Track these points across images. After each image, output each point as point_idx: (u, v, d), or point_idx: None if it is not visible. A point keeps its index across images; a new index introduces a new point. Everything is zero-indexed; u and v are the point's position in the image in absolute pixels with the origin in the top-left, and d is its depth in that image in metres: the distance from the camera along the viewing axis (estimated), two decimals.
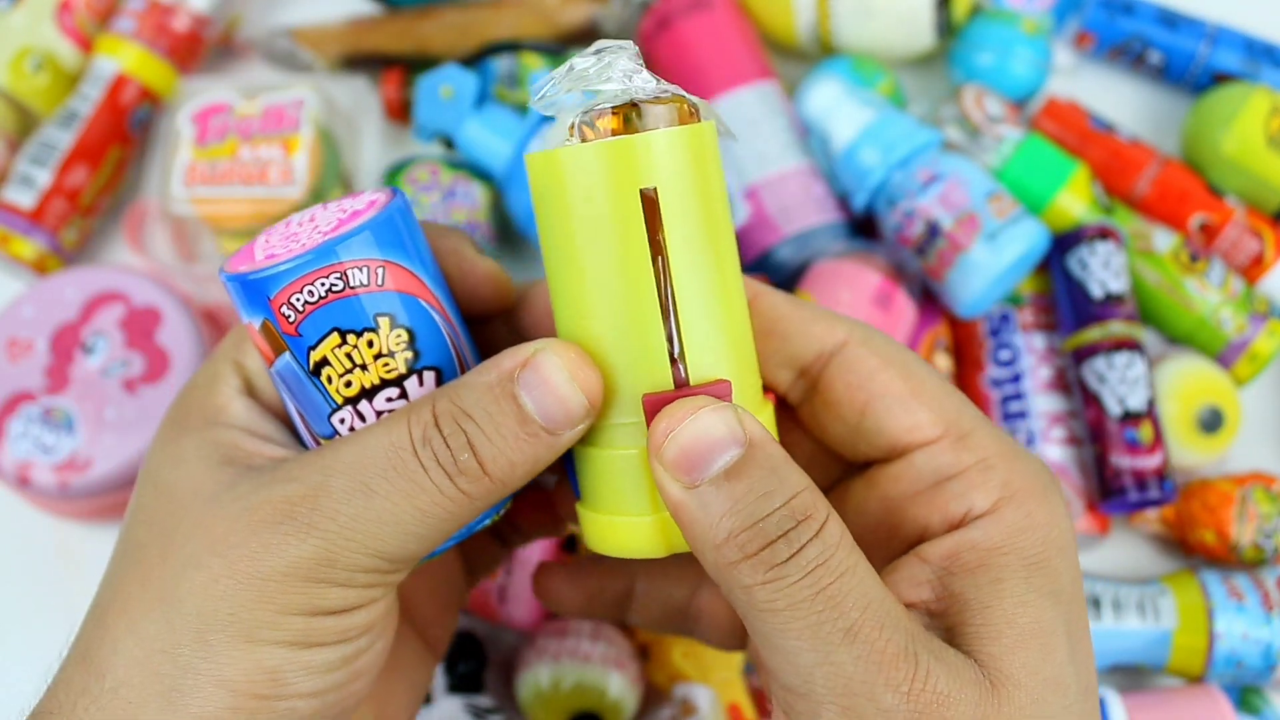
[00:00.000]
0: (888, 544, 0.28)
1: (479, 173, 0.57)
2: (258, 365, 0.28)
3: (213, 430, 0.27)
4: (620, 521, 0.27)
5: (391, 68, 0.62)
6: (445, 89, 0.55)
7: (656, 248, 0.24)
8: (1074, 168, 0.56)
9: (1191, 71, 0.62)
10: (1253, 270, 0.57)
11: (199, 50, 0.63)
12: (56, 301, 0.53)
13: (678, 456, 0.24)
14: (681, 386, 0.25)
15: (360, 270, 0.25)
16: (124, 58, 0.60)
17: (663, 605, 0.33)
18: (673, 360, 0.25)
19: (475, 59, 0.60)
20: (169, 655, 0.24)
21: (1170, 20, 0.62)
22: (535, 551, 0.49)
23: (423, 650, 0.33)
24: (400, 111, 0.61)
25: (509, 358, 0.25)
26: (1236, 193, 0.58)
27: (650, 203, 0.24)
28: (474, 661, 0.49)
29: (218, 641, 0.24)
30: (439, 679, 0.48)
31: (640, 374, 0.25)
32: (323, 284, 0.25)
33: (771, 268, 0.55)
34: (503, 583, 0.49)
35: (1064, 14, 0.63)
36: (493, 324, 0.31)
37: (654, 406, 0.25)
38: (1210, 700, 0.48)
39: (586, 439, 0.27)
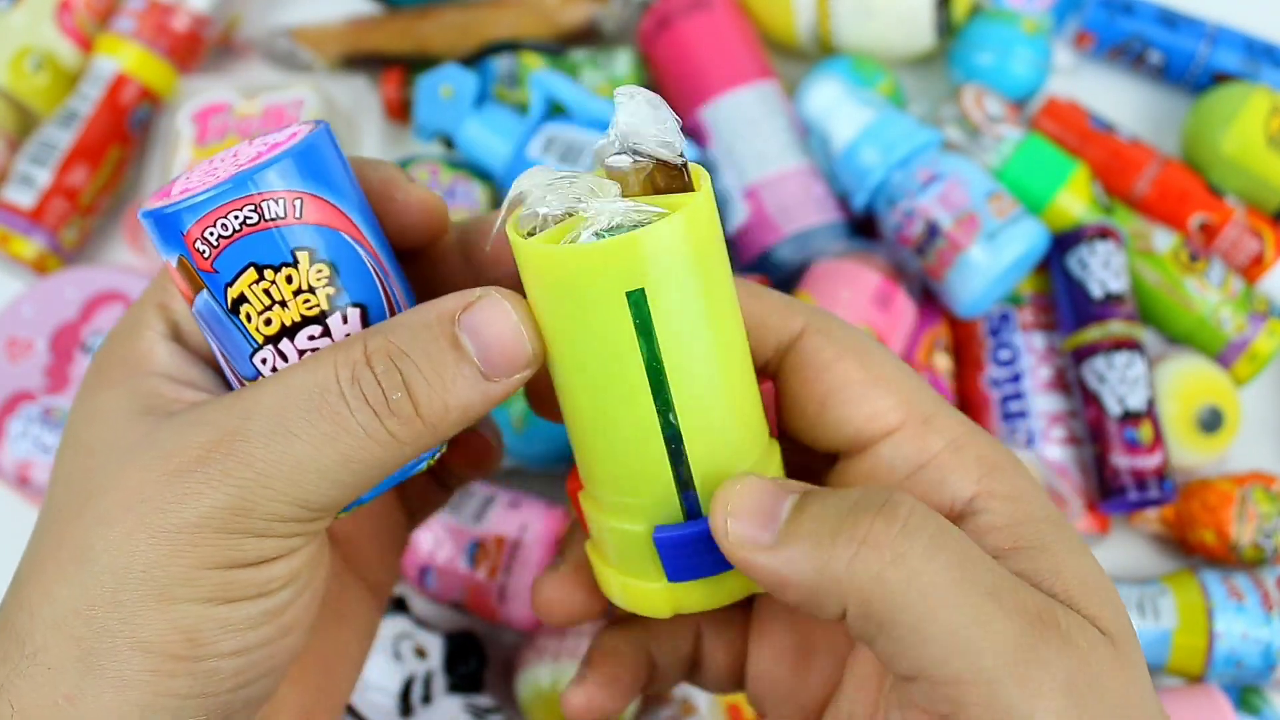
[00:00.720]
0: None
1: (479, 172, 0.57)
2: (184, 308, 0.27)
3: (134, 380, 0.26)
4: (634, 585, 0.27)
5: (391, 67, 0.62)
6: (445, 89, 0.55)
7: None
8: (1074, 167, 0.56)
9: (1191, 71, 0.62)
10: (1252, 270, 0.57)
11: (199, 50, 0.63)
12: (56, 301, 0.54)
13: (741, 537, 0.24)
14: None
15: (276, 202, 0.24)
16: (124, 57, 0.60)
17: (672, 655, 0.33)
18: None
19: (475, 59, 0.60)
20: (84, 617, 0.23)
21: (1170, 20, 0.62)
22: (535, 551, 0.49)
23: (367, 595, 0.33)
24: (400, 111, 0.61)
25: (452, 299, 0.24)
26: (1236, 193, 0.58)
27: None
28: (474, 661, 0.49)
29: (131, 600, 0.23)
30: (439, 679, 0.48)
31: (646, 472, 0.25)
32: (236, 217, 0.23)
33: (771, 267, 0.55)
34: (503, 582, 0.49)
35: (1064, 14, 0.63)
36: (429, 259, 0.29)
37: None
38: (1210, 700, 0.48)
39: (599, 502, 0.27)
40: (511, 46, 0.60)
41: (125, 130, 0.61)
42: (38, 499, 0.52)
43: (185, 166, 0.56)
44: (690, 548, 0.25)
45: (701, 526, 0.25)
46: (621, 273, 0.23)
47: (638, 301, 0.23)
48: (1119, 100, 0.64)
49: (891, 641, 0.23)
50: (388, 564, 0.34)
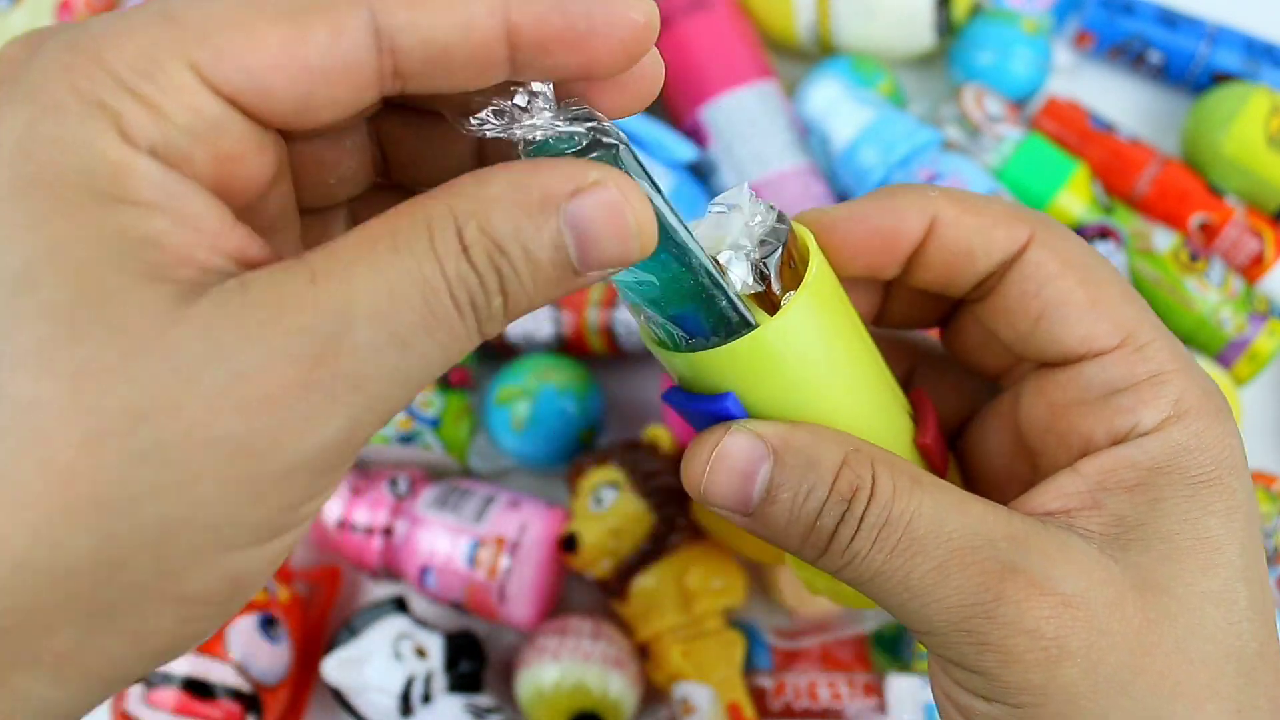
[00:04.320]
0: (1054, 452, 0.26)
1: None
2: (179, 116, 0.18)
3: (115, 213, 0.17)
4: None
5: None
6: None
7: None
8: (1074, 167, 0.56)
9: (1191, 71, 0.62)
10: (1253, 270, 0.57)
11: None
12: None
13: (722, 500, 0.24)
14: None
15: None
16: None
17: None
18: None
19: None
20: (108, 573, 0.18)
21: (1170, 20, 0.62)
22: (534, 550, 0.49)
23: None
24: None
25: (557, 177, 0.20)
26: (1236, 192, 0.58)
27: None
28: (474, 661, 0.49)
29: (180, 554, 0.18)
30: (439, 678, 0.47)
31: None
32: None
33: None
34: (503, 582, 0.49)
35: (1064, 13, 0.63)
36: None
37: None
38: None
39: None
40: None
41: None
42: None
43: None
44: None
45: None
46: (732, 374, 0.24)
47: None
48: (1119, 100, 0.63)
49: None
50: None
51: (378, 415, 0.19)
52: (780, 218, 0.24)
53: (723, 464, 0.23)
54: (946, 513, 0.23)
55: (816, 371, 0.24)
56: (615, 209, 0.20)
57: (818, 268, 0.25)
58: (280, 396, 0.18)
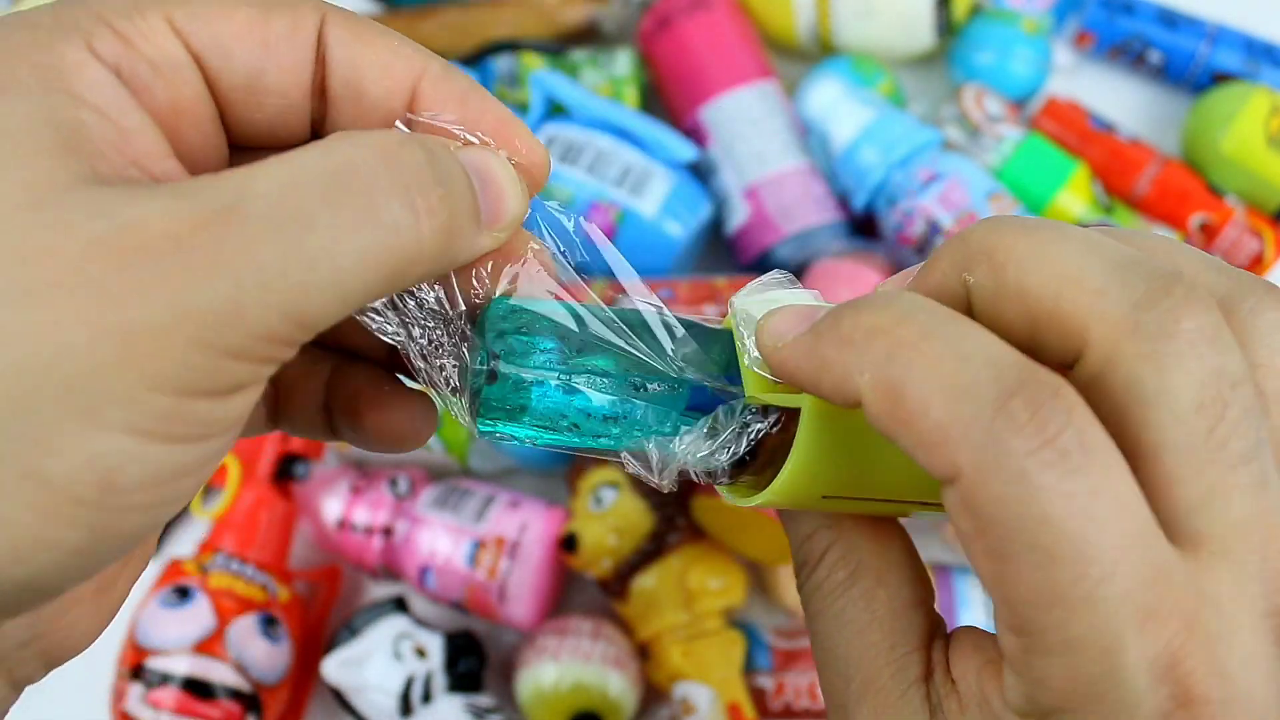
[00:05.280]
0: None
1: None
2: (150, 50, 0.19)
3: (51, 98, 0.18)
4: None
5: None
6: None
7: None
8: (1074, 167, 0.56)
9: (1191, 71, 0.62)
10: (1252, 270, 0.57)
11: None
12: None
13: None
14: None
15: None
16: None
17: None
18: None
19: (475, 59, 0.60)
20: None
21: (1170, 20, 0.62)
22: (535, 551, 0.49)
23: None
24: None
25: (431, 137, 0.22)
26: (1236, 192, 0.58)
27: None
28: (474, 661, 0.49)
29: (42, 419, 0.16)
30: (439, 678, 0.47)
31: None
32: None
33: (771, 267, 0.55)
34: (503, 582, 0.49)
35: (1064, 14, 0.63)
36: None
37: None
38: None
39: None
40: (511, 46, 0.60)
41: None
42: None
43: None
44: None
45: None
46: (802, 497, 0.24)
47: (827, 497, 0.24)
48: (1119, 100, 0.64)
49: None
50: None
51: (276, 297, 0.17)
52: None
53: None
54: (847, 629, 0.23)
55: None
56: (502, 163, 0.22)
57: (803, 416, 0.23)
58: (156, 248, 0.17)
